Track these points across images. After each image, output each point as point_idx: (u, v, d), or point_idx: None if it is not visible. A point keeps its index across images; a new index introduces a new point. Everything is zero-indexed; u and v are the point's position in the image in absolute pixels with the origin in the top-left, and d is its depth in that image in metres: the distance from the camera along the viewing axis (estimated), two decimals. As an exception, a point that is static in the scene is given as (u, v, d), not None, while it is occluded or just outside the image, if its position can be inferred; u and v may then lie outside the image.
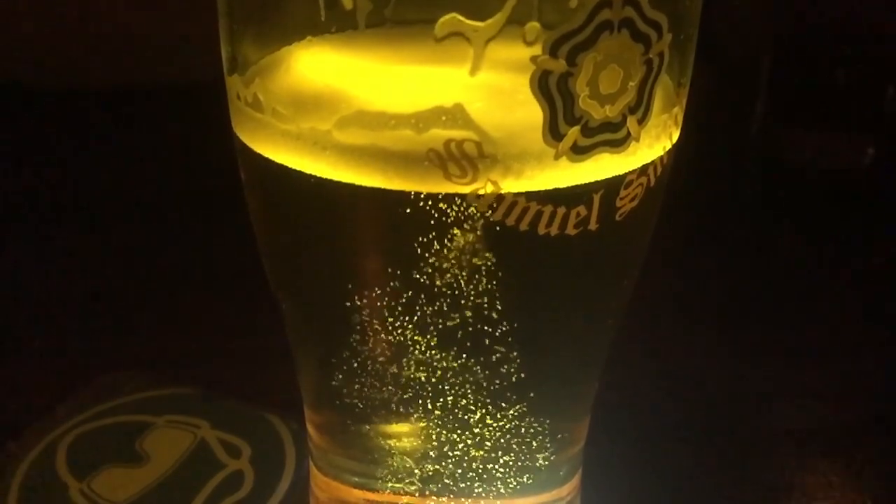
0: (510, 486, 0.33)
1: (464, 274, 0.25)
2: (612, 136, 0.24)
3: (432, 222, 0.24)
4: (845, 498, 0.42)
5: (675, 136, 0.27)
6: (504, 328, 0.27)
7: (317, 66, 0.26)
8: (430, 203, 0.24)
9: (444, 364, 0.28)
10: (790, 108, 0.77)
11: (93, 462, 0.40)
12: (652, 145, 0.26)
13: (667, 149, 0.27)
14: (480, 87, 0.23)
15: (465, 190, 0.24)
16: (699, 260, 0.62)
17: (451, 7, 0.23)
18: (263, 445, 0.42)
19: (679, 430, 0.45)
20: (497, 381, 0.29)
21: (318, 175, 0.25)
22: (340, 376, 0.30)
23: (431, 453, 0.31)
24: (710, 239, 0.65)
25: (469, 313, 0.26)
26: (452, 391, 0.29)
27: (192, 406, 0.44)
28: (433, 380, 0.28)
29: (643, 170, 0.26)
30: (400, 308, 0.26)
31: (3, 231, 0.63)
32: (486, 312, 0.26)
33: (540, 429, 0.32)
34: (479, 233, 0.25)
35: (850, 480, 0.43)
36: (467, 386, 0.28)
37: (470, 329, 0.27)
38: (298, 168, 0.25)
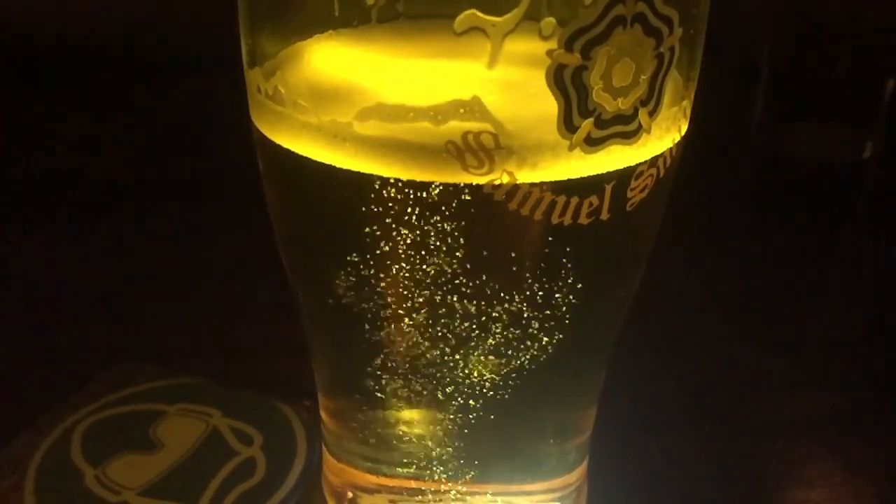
0: (521, 471, 0.33)
1: (478, 262, 0.26)
2: (625, 128, 0.25)
3: (449, 212, 0.25)
4: (845, 487, 0.42)
5: (684, 129, 0.28)
6: (516, 315, 0.28)
7: (337, 58, 0.27)
8: (447, 193, 0.25)
9: (457, 350, 0.28)
10: (790, 103, 0.78)
11: (107, 449, 0.41)
12: (662, 137, 0.27)
13: (676, 141, 0.27)
14: (497, 81, 0.24)
15: (482, 180, 0.24)
16: (698, 253, 0.63)
17: (465, 1, 0.23)
18: (275, 433, 0.42)
19: (681, 421, 0.46)
20: (508, 368, 0.29)
21: (338, 166, 0.25)
22: (355, 363, 0.31)
23: (443, 439, 0.31)
24: (708, 233, 0.66)
25: (482, 301, 0.27)
26: (465, 377, 0.29)
27: (204, 395, 0.45)
28: (446, 366, 0.29)
29: (653, 161, 0.26)
30: (415, 295, 0.27)
31: (14, 224, 0.63)
32: (499, 300, 0.27)
33: (550, 416, 0.33)
34: (494, 222, 0.25)
35: (850, 471, 0.43)
36: (479, 372, 0.29)
37: (483, 316, 0.27)
38: (319, 159, 0.25)
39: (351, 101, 0.25)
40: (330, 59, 0.27)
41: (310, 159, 0.26)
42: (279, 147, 0.27)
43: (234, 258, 0.58)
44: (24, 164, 0.72)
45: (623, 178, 0.26)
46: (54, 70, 0.82)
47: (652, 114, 0.25)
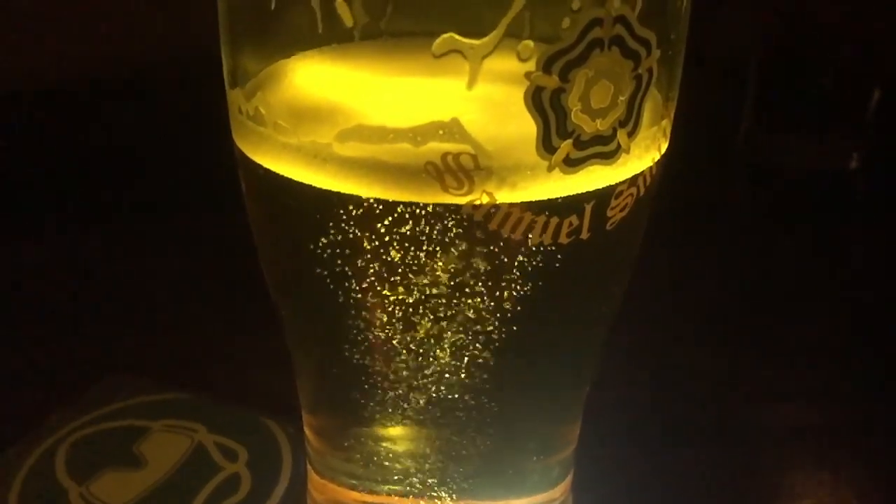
0: (504, 487, 0.33)
1: (459, 282, 0.26)
2: (603, 148, 0.25)
3: (429, 232, 0.25)
4: (834, 497, 0.43)
5: (664, 148, 0.28)
6: (498, 334, 0.28)
7: (317, 78, 0.27)
8: (427, 213, 0.25)
9: (439, 369, 0.28)
10: (777, 113, 0.78)
11: (92, 466, 0.41)
12: (641, 157, 0.27)
13: (656, 160, 0.28)
14: (476, 101, 0.24)
15: (462, 201, 0.24)
16: (687, 264, 0.63)
17: (447, 19, 0.23)
18: (260, 449, 0.42)
19: (669, 431, 0.46)
20: (491, 386, 0.29)
21: (319, 186, 0.25)
22: (338, 381, 0.31)
23: (426, 456, 0.31)
24: (697, 243, 0.66)
25: (464, 320, 0.27)
26: (447, 395, 0.29)
27: (189, 410, 0.45)
28: (428, 384, 0.29)
29: (633, 181, 0.27)
30: (396, 315, 0.27)
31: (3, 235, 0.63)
32: (480, 319, 0.27)
33: (532, 432, 0.33)
34: (474, 242, 0.25)
35: (838, 480, 0.44)
36: (461, 390, 0.29)
37: (465, 335, 0.28)
38: (300, 179, 0.26)
39: (331, 121, 0.25)
40: (310, 78, 0.27)
41: (291, 180, 0.26)
42: (260, 167, 0.27)
43: (225, 271, 0.57)
44: (17, 169, 0.72)
45: (603, 197, 0.26)
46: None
47: (631, 134, 0.25)
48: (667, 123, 0.28)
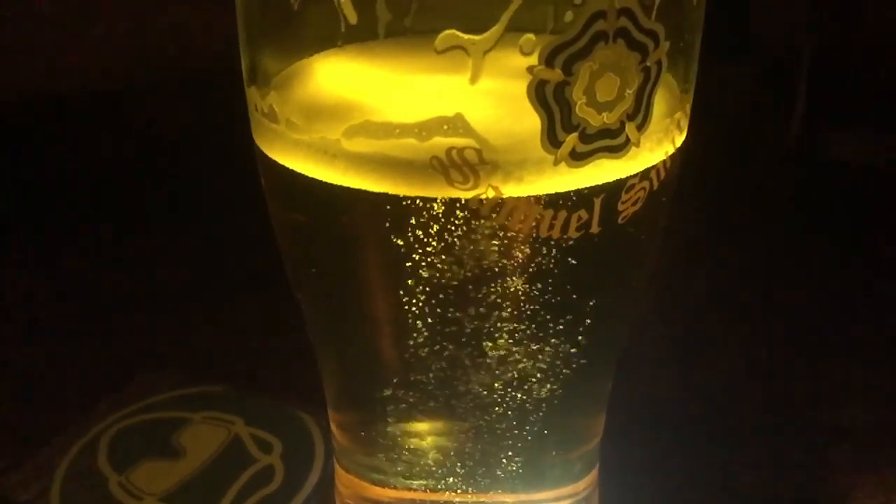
0: (527, 481, 0.33)
1: (470, 275, 0.26)
2: (611, 142, 0.25)
3: (437, 226, 0.25)
4: (874, 498, 0.42)
5: (679, 141, 0.28)
6: (513, 328, 0.28)
7: (327, 77, 0.28)
8: (433, 208, 0.25)
9: (453, 363, 0.28)
10: (830, 106, 0.77)
11: (132, 456, 0.42)
12: (653, 150, 0.26)
13: (669, 153, 0.27)
14: (480, 96, 0.24)
15: (468, 195, 0.25)
16: (738, 258, 0.62)
17: (453, 16, 0.24)
18: (294, 442, 0.43)
19: (694, 427, 0.46)
20: (509, 380, 0.29)
21: (329, 182, 0.26)
22: (356, 376, 0.31)
23: (449, 451, 0.32)
24: (748, 236, 0.65)
25: (476, 314, 0.27)
26: (465, 390, 0.29)
27: (227, 403, 0.46)
28: (442, 379, 0.29)
29: (645, 174, 0.26)
30: (407, 309, 0.27)
31: (37, 233, 0.65)
32: (494, 314, 0.27)
33: (555, 426, 0.33)
34: (483, 236, 0.25)
35: (878, 480, 0.43)
36: (479, 384, 0.29)
37: (479, 329, 0.28)
38: (311, 175, 0.26)
39: (340, 118, 0.26)
40: (321, 77, 0.28)
41: (304, 175, 0.26)
42: (276, 163, 0.27)
43: (259, 267, 0.58)
44: (49, 168, 0.74)
45: (613, 191, 0.26)
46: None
47: (640, 127, 0.25)
48: (682, 116, 0.28)
